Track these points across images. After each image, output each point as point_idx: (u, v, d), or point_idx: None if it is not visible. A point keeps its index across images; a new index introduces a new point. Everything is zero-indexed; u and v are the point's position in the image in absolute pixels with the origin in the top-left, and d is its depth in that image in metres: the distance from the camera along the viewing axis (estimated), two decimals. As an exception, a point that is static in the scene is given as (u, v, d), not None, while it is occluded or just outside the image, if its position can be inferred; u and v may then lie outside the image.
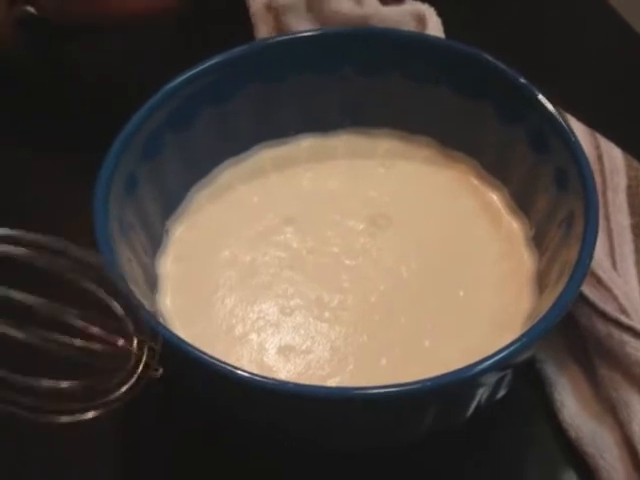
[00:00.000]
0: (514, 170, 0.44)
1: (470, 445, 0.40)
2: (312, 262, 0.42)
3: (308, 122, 0.46)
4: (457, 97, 0.44)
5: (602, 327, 0.40)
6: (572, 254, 0.37)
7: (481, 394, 0.36)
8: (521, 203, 0.44)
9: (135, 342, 0.32)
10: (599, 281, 0.41)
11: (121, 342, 0.31)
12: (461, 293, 0.41)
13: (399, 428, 0.37)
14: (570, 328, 0.41)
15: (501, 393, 0.38)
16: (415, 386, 0.33)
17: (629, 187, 0.46)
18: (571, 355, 0.42)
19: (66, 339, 0.31)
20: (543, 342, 0.39)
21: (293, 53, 0.44)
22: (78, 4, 0.50)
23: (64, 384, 0.31)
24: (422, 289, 0.41)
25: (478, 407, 0.37)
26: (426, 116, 0.46)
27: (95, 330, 0.31)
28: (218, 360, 0.33)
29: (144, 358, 0.32)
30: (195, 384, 0.37)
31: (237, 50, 0.43)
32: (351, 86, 0.45)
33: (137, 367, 0.32)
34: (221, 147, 0.45)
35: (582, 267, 0.36)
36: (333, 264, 0.42)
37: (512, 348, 0.34)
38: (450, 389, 0.34)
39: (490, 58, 0.43)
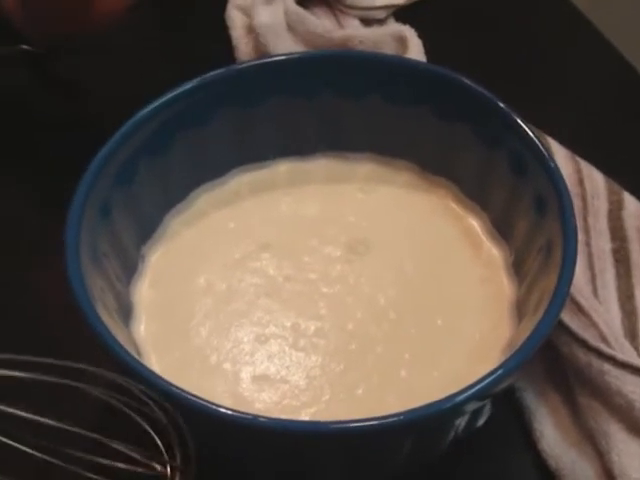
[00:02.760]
0: (494, 195, 0.43)
1: (448, 475, 0.40)
2: (288, 289, 0.42)
3: (285, 146, 0.46)
4: (437, 121, 0.44)
5: (582, 356, 0.39)
6: (551, 282, 0.37)
7: (459, 423, 0.36)
8: (501, 229, 0.43)
9: (168, 468, 0.32)
10: (579, 308, 0.40)
11: (159, 467, 0.32)
12: (439, 321, 0.40)
13: (376, 461, 0.36)
14: (550, 355, 0.41)
15: (480, 421, 0.38)
16: (392, 419, 0.32)
17: (610, 211, 0.46)
18: (551, 383, 0.41)
19: (104, 461, 0.31)
20: (522, 370, 0.38)
21: (270, 77, 0.44)
22: (52, 26, 0.49)
23: None
24: (400, 317, 0.40)
25: (456, 435, 0.36)
26: (405, 140, 0.45)
27: (133, 454, 0.31)
28: (188, 393, 0.33)
29: None
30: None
31: (213, 74, 0.43)
32: (329, 109, 0.45)
33: None
34: (197, 172, 0.45)
35: (560, 296, 0.36)
36: (310, 291, 0.41)
37: (490, 379, 0.34)
38: (428, 421, 0.34)
39: (470, 82, 0.43)
